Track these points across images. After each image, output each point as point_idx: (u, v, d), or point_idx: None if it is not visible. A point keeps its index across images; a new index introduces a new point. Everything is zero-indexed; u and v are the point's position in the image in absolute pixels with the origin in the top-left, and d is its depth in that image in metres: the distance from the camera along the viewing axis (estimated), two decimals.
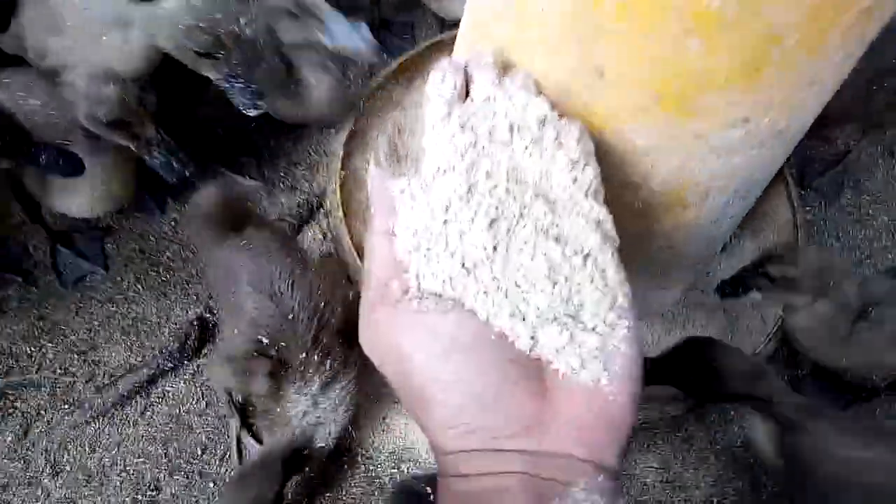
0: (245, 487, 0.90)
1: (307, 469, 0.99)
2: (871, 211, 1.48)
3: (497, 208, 0.47)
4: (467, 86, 0.57)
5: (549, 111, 0.54)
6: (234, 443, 1.05)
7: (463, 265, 0.45)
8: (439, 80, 0.56)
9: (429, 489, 0.89)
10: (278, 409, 0.96)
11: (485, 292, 0.45)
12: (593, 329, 0.45)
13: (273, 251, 1.01)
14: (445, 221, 0.47)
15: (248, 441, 1.02)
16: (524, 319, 0.45)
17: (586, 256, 0.47)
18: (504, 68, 0.60)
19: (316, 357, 0.95)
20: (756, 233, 1.27)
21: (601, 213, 0.50)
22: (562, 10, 0.58)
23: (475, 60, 0.60)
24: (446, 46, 1.35)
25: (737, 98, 0.59)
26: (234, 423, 1.03)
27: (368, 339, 0.47)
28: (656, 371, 0.88)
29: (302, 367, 0.94)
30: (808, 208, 1.45)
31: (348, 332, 0.99)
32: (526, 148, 0.51)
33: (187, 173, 1.02)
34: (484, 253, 0.46)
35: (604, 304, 0.46)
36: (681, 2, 0.51)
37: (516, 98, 0.54)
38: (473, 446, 0.43)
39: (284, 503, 0.95)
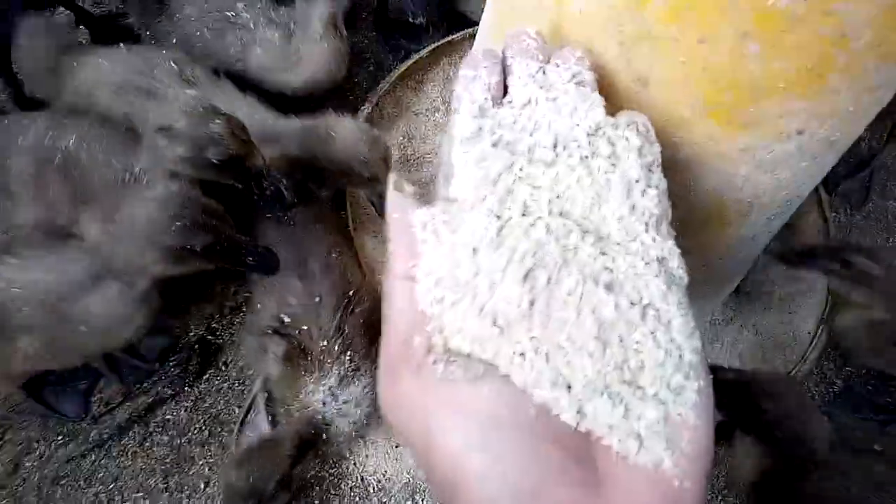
0: (252, 463, 0.84)
1: (320, 453, 0.94)
2: None
3: (535, 254, 0.39)
4: (506, 79, 0.48)
5: (603, 116, 0.45)
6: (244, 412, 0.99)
7: (495, 323, 0.37)
8: (470, 79, 0.47)
9: None
10: (295, 399, 0.91)
11: (522, 355, 0.36)
12: (654, 396, 0.36)
13: (314, 230, 0.97)
14: (474, 271, 0.38)
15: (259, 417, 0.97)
16: (569, 389, 0.36)
17: (646, 307, 0.38)
18: (551, 50, 0.50)
19: (336, 347, 0.89)
20: (784, 242, 1.21)
21: (665, 247, 0.41)
22: (602, 12, 0.52)
23: (514, 44, 0.50)
24: (456, 48, 1.30)
25: (794, 107, 0.53)
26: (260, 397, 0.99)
27: (389, 406, 0.40)
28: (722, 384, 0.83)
29: (321, 356, 0.89)
30: (833, 214, 1.39)
31: (375, 326, 0.93)
32: (573, 169, 0.43)
33: (295, 199, 0.95)
34: (518, 310, 0.37)
35: (668, 364, 0.37)
36: (742, 1, 0.45)
37: (563, 100, 0.45)
38: None
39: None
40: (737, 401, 0.82)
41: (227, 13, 1.12)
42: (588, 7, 0.52)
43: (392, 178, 0.44)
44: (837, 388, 1.20)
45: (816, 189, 1.21)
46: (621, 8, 0.50)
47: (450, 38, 1.28)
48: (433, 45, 1.26)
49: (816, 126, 0.57)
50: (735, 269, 0.90)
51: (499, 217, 0.40)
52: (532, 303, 0.37)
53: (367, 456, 1.03)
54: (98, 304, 0.83)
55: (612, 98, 0.56)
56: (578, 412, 0.36)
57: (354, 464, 1.03)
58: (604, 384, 0.37)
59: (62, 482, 1.04)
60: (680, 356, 0.38)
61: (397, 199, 0.43)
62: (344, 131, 0.96)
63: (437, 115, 1.25)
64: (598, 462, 0.36)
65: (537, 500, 0.34)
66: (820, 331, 1.06)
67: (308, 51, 1.09)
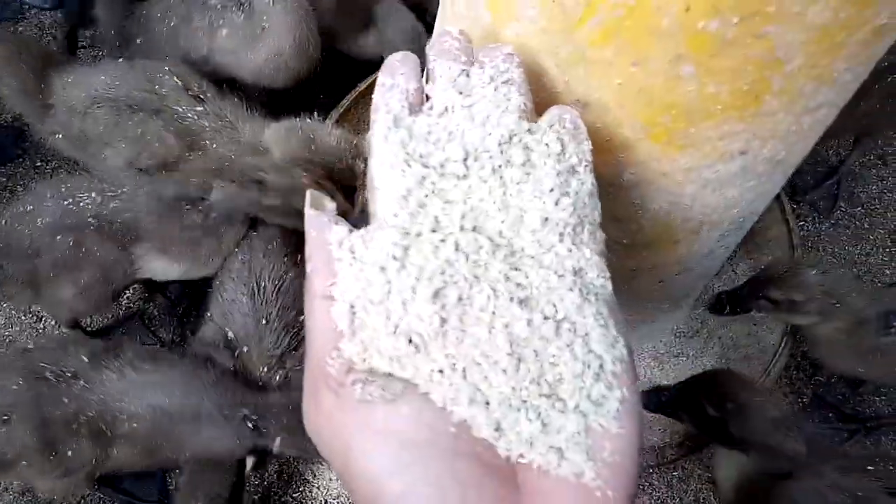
0: (198, 484, 0.83)
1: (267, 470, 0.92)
2: (866, 224, 1.43)
3: (443, 272, 0.37)
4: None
5: (517, 122, 0.43)
6: None
7: (410, 341, 0.36)
8: (387, 88, 0.45)
9: None
10: None
11: (440, 371, 0.36)
12: (575, 408, 0.36)
13: (274, 247, 0.94)
14: (386, 290, 0.37)
15: None
16: (487, 405, 0.36)
17: (560, 322, 0.37)
18: (479, 50, 0.48)
19: (277, 378, 0.86)
20: (750, 252, 1.21)
21: (582, 257, 0.40)
22: (537, 36, 0.51)
23: (437, 45, 0.48)
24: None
25: (734, 128, 0.53)
26: None
27: (313, 427, 0.39)
28: (670, 401, 0.81)
29: (261, 383, 0.86)
30: (801, 223, 1.39)
31: None
32: (485, 181, 0.41)
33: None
34: (432, 328, 0.36)
35: (587, 376, 0.36)
36: (673, 24, 0.44)
37: (479, 107, 0.43)
38: None
39: None
40: (693, 412, 0.80)
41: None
42: (523, 31, 0.52)
43: (310, 194, 0.43)
44: (807, 397, 1.20)
45: (780, 198, 1.21)
46: (555, 32, 0.49)
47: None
48: None
49: (759, 146, 0.57)
50: (693, 285, 0.89)
51: (408, 234, 0.39)
52: (444, 320, 0.36)
53: (330, 479, 1.02)
54: (206, 434, 0.80)
55: None
56: (497, 429, 0.35)
57: (318, 487, 1.01)
58: (520, 399, 0.36)
59: None
60: (600, 366, 0.37)
61: (314, 217, 0.42)
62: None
63: None
64: (520, 476, 0.36)
65: None
66: (784, 342, 1.06)
67: (270, 22, 1.02)
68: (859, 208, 1.46)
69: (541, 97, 0.55)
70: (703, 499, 1.06)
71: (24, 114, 1.05)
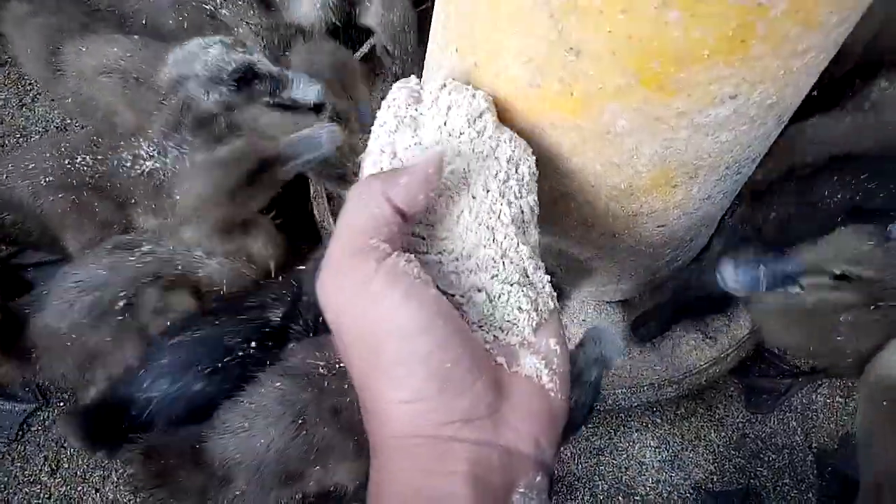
0: None
1: None
2: None
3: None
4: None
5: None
6: None
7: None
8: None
9: None
10: None
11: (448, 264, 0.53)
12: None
13: None
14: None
15: None
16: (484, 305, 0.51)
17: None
18: None
19: None
20: None
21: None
22: None
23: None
24: None
25: (722, 73, 0.55)
26: None
27: (336, 296, 0.45)
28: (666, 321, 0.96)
29: None
30: None
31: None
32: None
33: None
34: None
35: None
36: None
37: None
38: (428, 431, 0.41)
39: None
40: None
41: None
42: None
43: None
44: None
45: None
46: None
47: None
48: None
49: (749, 90, 0.59)
50: (696, 230, 0.92)
51: None
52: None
53: None
54: None
55: (550, 67, 0.59)
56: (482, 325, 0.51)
57: None
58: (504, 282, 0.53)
59: (65, 444, 1.06)
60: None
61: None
62: None
63: None
64: (499, 377, 0.46)
65: (464, 383, 0.43)
66: None
67: None
68: None
69: (538, 49, 0.58)
70: (705, 436, 1.10)
71: (36, 76, 1.09)
